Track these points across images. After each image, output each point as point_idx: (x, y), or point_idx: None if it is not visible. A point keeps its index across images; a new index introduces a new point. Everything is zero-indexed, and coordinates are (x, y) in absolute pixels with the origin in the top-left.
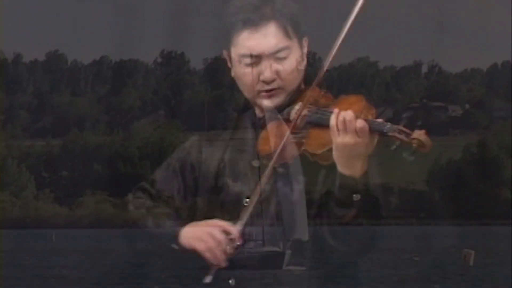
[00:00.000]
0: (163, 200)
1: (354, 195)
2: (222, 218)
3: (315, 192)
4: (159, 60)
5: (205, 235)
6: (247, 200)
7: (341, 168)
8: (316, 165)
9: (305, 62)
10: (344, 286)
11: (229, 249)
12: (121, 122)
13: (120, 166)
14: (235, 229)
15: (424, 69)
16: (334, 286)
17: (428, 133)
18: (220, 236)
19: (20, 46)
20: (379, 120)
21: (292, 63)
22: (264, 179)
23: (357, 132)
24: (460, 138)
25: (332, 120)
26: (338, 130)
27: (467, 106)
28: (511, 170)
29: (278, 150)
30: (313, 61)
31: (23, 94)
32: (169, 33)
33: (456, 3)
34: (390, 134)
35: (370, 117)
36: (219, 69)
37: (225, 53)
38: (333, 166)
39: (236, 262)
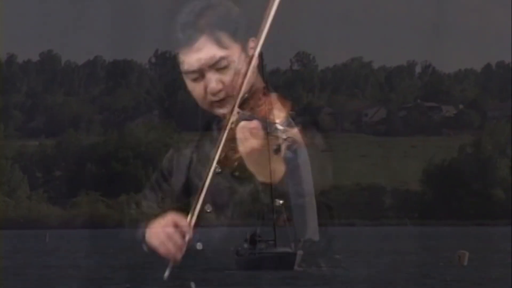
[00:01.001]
0: (147, 211)
1: (276, 200)
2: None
3: (245, 191)
4: (153, 60)
5: (157, 232)
6: (209, 209)
7: (256, 175)
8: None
9: (254, 63)
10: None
11: (180, 241)
12: (115, 122)
13: (114, 166)
14: (185, 221)
15: (418, 69)
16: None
17: (303, 131)
18: (170, 230)
19: (14, 46)
20: (279, 120)
21: (235, 69)
22: (207, 182)
23: (251, 134)
24: (454, 138)
25: (237, 133)
26: (238, 138)
27: (461, 106)
28: (505, 170)
29: (217, 156)
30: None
31: (17, 94)
32: (163, 33)
33: (450, 4)
34: (274, 134)
35: (282, 115)
36: None
37: (179, 68)
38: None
39: (248, 262)
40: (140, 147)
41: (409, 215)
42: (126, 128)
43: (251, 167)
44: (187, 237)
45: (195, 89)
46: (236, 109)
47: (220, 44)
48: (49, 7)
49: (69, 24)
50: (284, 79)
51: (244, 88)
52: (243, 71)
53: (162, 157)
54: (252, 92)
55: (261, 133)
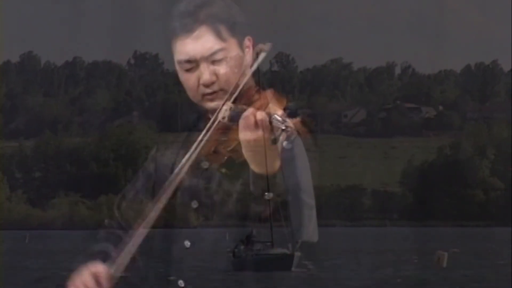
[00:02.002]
0: (126, 213)
1: (266, 193)
2: (175, 220)
3: (233, 188)
4: (132, 61)
5: (77, 280)
6: (196, 205)
7: (251, 165)
8: (232, 161)
9: (249, 61)
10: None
11: None
12: (95, 123)
13: (94, 167)
14: (104, 272)
15: (398, 70)
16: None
17: (304, 120)
18: (88, 281)
19: None
20: (280, 112)
21: (230, 64)
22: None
23: (257, 124)
24: (433, 139)
25: (240, 122)
26: (240, 128)
27: (440, 107)
28: (484, 171)
29: (197, 149)
30: (286, 62)
31: None
32: (142, 34)
33: (430, 6)
34: (274, 124)
35: (279, 110)
36: None
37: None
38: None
39: (245, 264)
40: (120, 148)
41: (389, 216)
42: (106, 129)
43: (249, 157)
44: None
45: (188, 79)
46: (229, 104)
47: (219, 35)
48: (29, 9)
49: (49, 26)
50: (263, 80)
51: (242, 85)
52: (239, 67)
53: (143, 158)
54: (245, 89)
55: (266, 124)
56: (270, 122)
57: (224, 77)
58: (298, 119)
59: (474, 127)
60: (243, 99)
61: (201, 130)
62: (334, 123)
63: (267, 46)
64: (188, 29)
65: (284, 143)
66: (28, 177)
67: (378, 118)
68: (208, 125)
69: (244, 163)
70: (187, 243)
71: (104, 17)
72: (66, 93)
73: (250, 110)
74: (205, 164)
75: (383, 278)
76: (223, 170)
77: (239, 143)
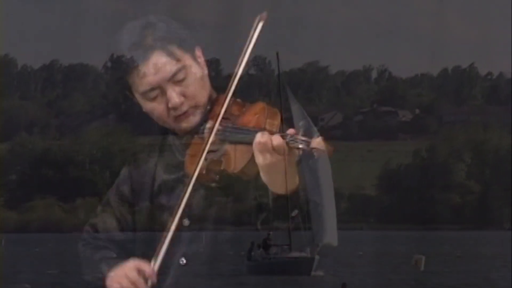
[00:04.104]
0: (109, 240)
1: (294, 211)
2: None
3: (225, 199)
4: (109, 64)
5: (120, 278)
6: (187, 222)
7: (271, 187)
8: (240, 180)
9: (205, 70)
10: None
11: (143, 287)
12: (71, 126)
13: (70, 170)
14: (149, 266)
15: (374, 74)
16: None
17: (324, 138)
18: (134, 276)
19: None
20: (290, 130)
21: (192, 80)
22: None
23: (274, 149)
24: (409, 143)
25: (255, 149)
26: (257, 152)
27: (417, 111)
28: (461, 175)
29: (196, 172)
30: (263, 65)
31: None
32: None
33: (406, 8)
34: (291, 145)
35: (275, 123)
36: None
37: (128, 94)
38: (256, 179)
39: (262, 267)
40: (96, 151)
41: (365, 220)
42: (82, 132)
43: (268, 181)
44: (149, 283)
45: (156, 108)
46: (215, 124)
47: (173, 56)
48: (4, 11)
49: (26, 28)
50: (240, 83)
51: (207, 94)
52: (200, 79)
53: (119, 161)
54: (213, 101)
55: (284, 147)
56: (287, 143)
57: (191, 94)
58: (320, 139)
59: (450, 130)
60: (225, 113)
61: (170, 145)
62: None
63: (264, 15)
64: (141, 60)
65: (310, 162)
66: (4, 180)
67: (355, 121)
68: (204, 145)
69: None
70: (182, 261)
71: (81, 20)
72: (42, 96)
73: (262, 135)
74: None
75: (360, 282)
76: (213, 185)
77: (247, 165)
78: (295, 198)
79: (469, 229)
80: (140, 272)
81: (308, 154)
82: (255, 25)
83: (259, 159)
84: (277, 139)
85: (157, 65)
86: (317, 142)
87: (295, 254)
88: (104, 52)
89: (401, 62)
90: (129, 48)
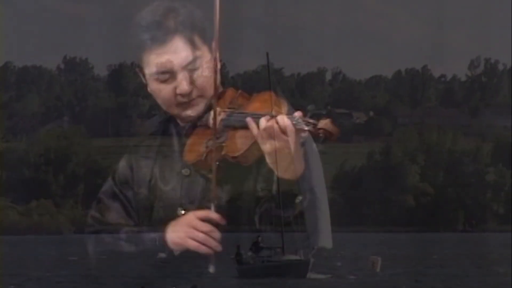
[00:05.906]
0: (121, 223)
1: (298, 197)
2: (159, 226)
3: (244, 193)
4: (62, 66)
5: (190, 232)
6: (182, 211)
7: (278, 173)
8: (239, 167)
9: (218, 65)
10: None
11: (217, 233)
12: (25, 128)
13: (24, 172)
14: (213, 213)
15: (329, 76)
16: None
17: (333, 120)
18: (204, 226)
19: None
20: (298, 113)
21: (206, 70)
22: (195, 186)
23: (282, 131)
24: (364, 145)
25: (254, 130)
26: (263, 137)
27: (371, 113)
28: (415, 177)
29: (203, 158)
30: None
31: None
32: (72, 39)
33: (360, 10)
34: (298, 127)
35: (282, 111)
36: (123, 75)
37: (137, 70)
38: (255, 165)
39: (254, 271)
40: (50, 153)
41: None
42: (36, 134)
43: (274, 165)
44: (221, 228)
45: (163, 90)
46: (219, 109)
47: (193, 44)
48: None
49: None
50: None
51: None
52: (212, 72)
53: (73, 163)
54: (219, 95)
55: (291, 128)
56: (294, 125)
57: (201, 84)
58: (328, 120)
59: (404, 132)
60: (226, 102)
61: (170, 135)
62: None
63: None
64: (160, 41)
65: (314, 145)
66: None
67: (309, 109)
68: (213, 129)
69: (233, 166)
70: (162, 255)
71: (34, 22)
72: None
73: (267, 118)
74: (186, 172)
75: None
76: (209, 175)
77: (249, 149)
78: (298, 184)
79: (423, 231)
80: (207, 221)
81: (314, 136)
82: None
83: (265, 144)
84: (283, 120)
85: (176, 50)
86: (325, 123)
87: (289, 257)
88: (57, 54)
89: (355, 64)
90: (146, 25)
